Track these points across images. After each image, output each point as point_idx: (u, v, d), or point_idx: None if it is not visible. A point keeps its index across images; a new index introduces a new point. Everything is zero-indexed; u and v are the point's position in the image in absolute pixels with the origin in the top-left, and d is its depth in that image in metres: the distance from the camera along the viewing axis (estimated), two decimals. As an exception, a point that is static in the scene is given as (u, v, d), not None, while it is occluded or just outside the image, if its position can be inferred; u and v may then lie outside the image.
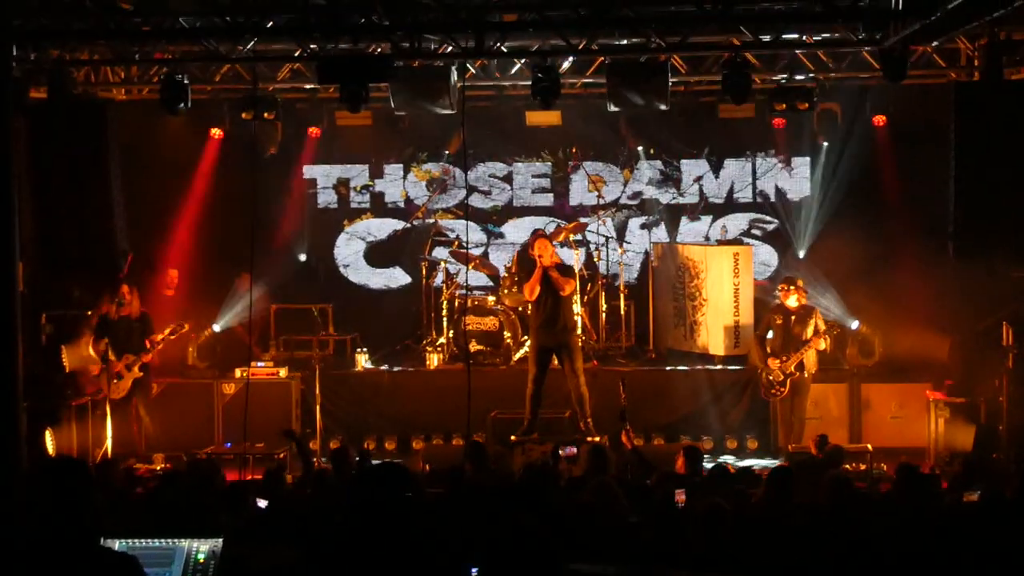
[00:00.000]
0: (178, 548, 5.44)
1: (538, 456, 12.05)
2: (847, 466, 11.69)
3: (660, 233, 17.14)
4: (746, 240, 16.74)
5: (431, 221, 17.01)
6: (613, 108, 13.57)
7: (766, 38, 12.38)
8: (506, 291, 15.30)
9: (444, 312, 15.52)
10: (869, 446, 12.95)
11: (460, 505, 7.79)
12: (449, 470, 9.86)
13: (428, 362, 15.17)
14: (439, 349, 15.28)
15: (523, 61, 14.21)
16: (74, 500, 4.51)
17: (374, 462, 10.93)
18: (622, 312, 15.72)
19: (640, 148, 17.06)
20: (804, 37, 13.02)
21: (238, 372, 14.48)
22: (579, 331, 14.21)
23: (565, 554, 5.07)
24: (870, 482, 11.93)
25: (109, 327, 13.80)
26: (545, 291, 13.16)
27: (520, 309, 14.95)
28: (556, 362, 13.36)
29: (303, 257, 17.27)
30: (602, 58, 13.65)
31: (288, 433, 12.01)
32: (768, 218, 17.08)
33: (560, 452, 11.24)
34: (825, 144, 16.12)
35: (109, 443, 13.60)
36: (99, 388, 13.78)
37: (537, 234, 14.61)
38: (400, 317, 16.72)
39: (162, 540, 5.46)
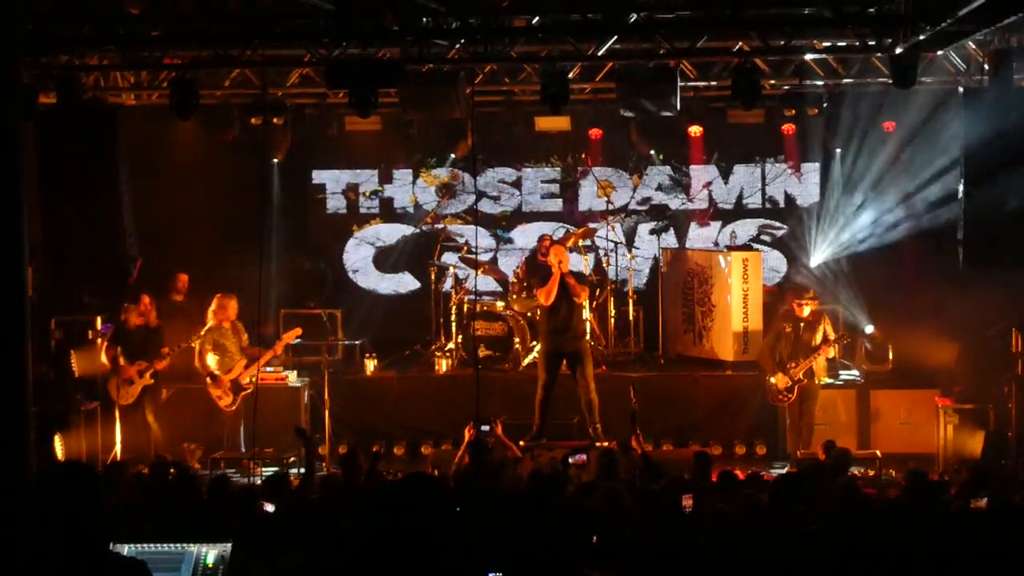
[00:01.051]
0: (187, 553, 5.45)
1: (547, 461, 12.02)
2: (855, 472, 11.66)
3: (669, 239, 17.14)
4: (755, 246, 16.73)
5: (440, 226, 17.03)
6: (622, 113, 13.56)
7: (776, 44, 12.37)
8: (515, 296, 15.29)
9: (453, 317, 15.52)
10: (878, 452, 12.94)
11: (470, 512, 7.78)
12: (454, 476, 9.85)
13: (437, 367, 15.16)
14: (448, 354, 15.26)
15: (532, 66, 14.22)
16: (83, 505, 4.51)
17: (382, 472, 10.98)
18: (631, 318, 15.71)
19: (650, 153, 17.08)
20: (814, 43, 13.01)
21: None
22: (588, 337, 14.20)
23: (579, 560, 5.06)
24: (879, 488, 11.89)
25: (124, 335, 13.84)
26: (560, 297, 13.14)
27: (529, 314, 14.93)
28: (566, 367, 13.36)
29: (310, 263, 17.28)
30: (611, 63, 13.65)
31: (300, 432, 11.98)
32: (777, 224, 17.08)
33: (570, 460, 11.21)
34: (838, 150, 16.12)
35: (118, 448, 13.63)
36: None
37: (545, 240, 14.59)
38: (409, 322, 16.73)
39: (171, 545, 5.47)
